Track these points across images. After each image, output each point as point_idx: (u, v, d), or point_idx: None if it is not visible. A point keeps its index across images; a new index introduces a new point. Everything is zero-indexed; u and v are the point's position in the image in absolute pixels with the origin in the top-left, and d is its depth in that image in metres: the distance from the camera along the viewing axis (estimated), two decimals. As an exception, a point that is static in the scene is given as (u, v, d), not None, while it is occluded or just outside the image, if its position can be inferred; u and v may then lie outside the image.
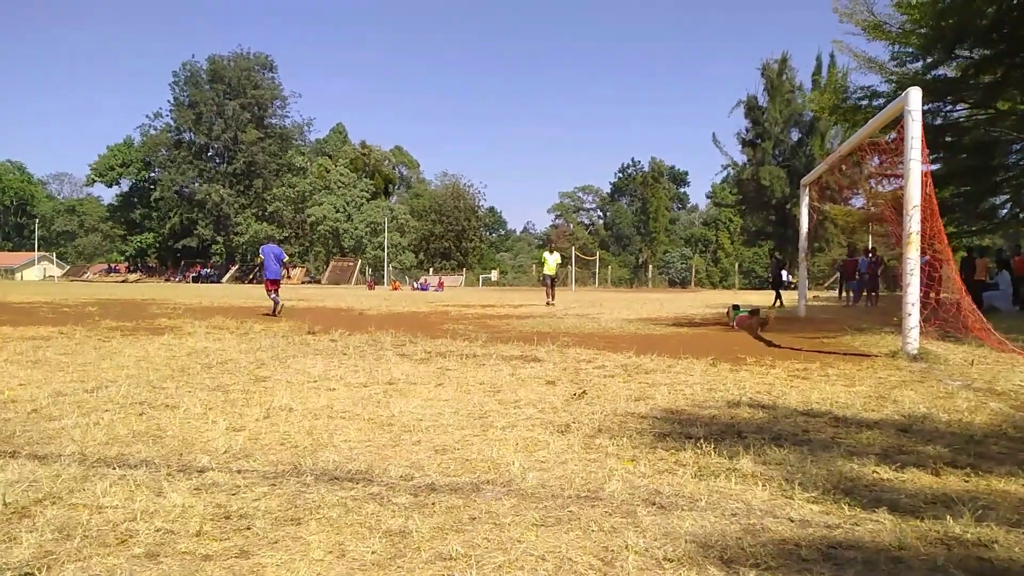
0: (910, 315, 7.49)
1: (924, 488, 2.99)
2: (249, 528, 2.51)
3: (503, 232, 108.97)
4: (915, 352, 7.37)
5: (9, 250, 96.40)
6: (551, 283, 20.97)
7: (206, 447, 3.61)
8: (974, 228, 20.57)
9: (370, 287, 47.80)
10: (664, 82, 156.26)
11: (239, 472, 3.17)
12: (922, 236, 7.62)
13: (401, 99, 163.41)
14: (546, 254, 21.37)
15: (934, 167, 16.24)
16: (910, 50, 14.63)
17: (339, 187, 72.37)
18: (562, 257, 22.96)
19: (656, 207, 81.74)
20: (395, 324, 12.15)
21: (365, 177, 76.79)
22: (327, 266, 68.25)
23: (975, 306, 8.50)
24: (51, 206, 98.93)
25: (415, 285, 49.33)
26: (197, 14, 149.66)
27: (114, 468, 3.20)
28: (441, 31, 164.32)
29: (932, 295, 8.44)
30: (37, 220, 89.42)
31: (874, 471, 3.24)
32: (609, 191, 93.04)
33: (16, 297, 22.46)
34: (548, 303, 20.18)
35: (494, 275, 70.18)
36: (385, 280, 60.37)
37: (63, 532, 2.45)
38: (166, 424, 4.13)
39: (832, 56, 37.33)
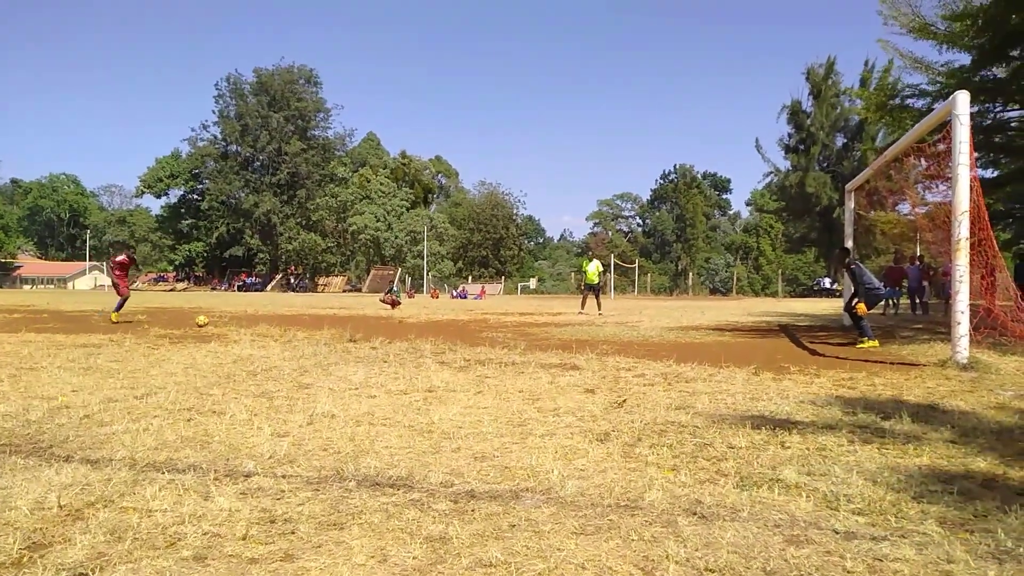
0: (959, 323, 7.30)
1: (975, 500, 2.91)
2: (293, 532, 2.55)
3: (541, 240, 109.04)
4: (965, 361, 7.18)
5: (63, 260, 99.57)
6: (595, 292, 20.56)
7: (252, 452, 3.69)
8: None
9: (410, 295, 48.19)
10: (707, 89, 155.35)
11: (284, 477, 3.23)
12: (985, 244, 7.45)
13: (439, 108, 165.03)
14: (587, 263, 20.90)
15: (985, 171, 15.81)
16: (957, 52, 14.25)
17: (380, 196, 73.29)
18: (603, 265, 22.51)
19: (693, 214, 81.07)
20: (435, 332, 12.24)
21: (405, 187, 77.63)
22: (368, 274, 69.04)
23: None
24: (102, 217, 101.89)
25: (454, 293, 49.60)
26: (232, 21, 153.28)
27: (163, 472, 3.28)
28: (480, 40, 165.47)
29: (982, 303, 8.22)
30: (89, 231, 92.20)
31: (922, 482, 3.17)
32: (649, 198, 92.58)
33: (69, 306, 23.15)
34: (581, 312, 19.87)
35: (533, 283, 70.27)
36: (424, 288, 60.78)
37: (115, 534, 2.52)
38: (213, 430, 4.22)
39: (890, 61, 36.31)
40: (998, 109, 15.55)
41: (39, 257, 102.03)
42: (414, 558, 2.33)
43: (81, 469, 3.33)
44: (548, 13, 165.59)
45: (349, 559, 2.32)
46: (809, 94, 47.32)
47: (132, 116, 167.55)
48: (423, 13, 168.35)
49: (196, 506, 2.81)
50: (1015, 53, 13.97)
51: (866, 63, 40.74)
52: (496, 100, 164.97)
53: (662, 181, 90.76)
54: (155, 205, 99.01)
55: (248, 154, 74.31)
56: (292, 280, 68.19)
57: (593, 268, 20.32)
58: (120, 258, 15.22)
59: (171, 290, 67.07)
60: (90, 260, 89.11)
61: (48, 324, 13.81)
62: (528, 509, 2.80)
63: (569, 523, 2.64)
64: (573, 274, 69.63)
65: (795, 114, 47.53)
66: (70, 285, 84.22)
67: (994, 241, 8.09)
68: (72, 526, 2.60)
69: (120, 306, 14.55)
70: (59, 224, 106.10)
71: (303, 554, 2.36)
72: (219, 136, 75.60)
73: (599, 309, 20.21)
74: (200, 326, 12.98)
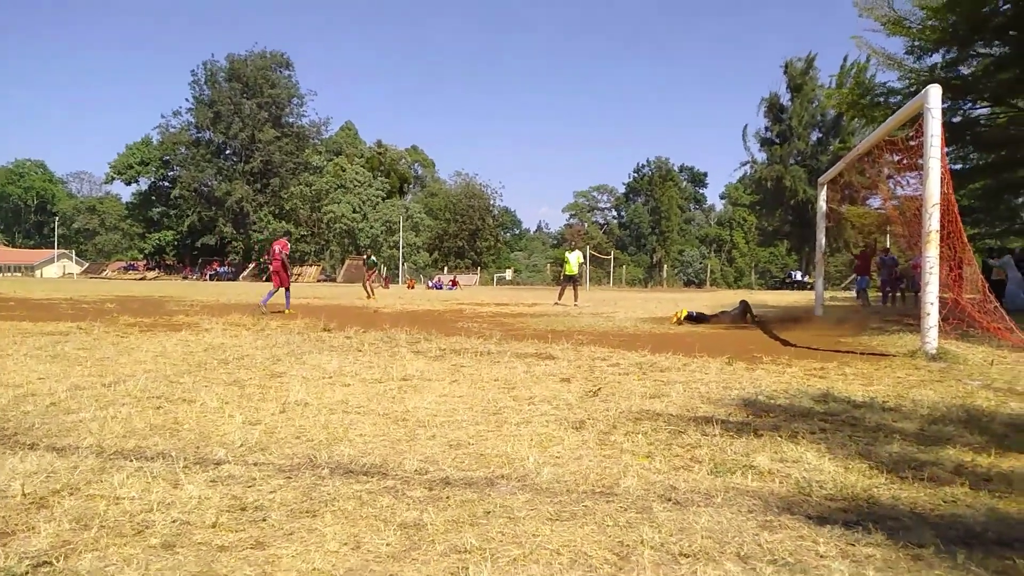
0: (928, 314, 7.41)
1: (944, 486, 2.95)
2: (265, 520, 2.51)
3: (517, 231, 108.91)
4: (934, 352, 7.29)
5: (30, 247, 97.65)
6: (573, 283, 20.64)
7: (222, 440, 3.63)
8: (996, 229, 20.33)
9: (385, 286, 47.98)
10: (683, 82, 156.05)
11: (255, 465, 3.18)
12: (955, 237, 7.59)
13: (415, 97, 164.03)
14: (568, 254, 21.01)
15: (955, 166, 16.07)
16: (929, 47, 14.45)
17: (355, 186, 72.67)
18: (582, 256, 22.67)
19: (668, 207, 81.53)
20: (410, 322, 12.18)
21: (381, 176, 77.05)
22: (342, 265, 68.52)
23: (997, 305, 8.42)
24: (71, 204, 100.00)
25: (429, 284, 49.43)
26: (208, 8, 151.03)
27: (131, 460, 3.22)
28: (457, 30, 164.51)
29: (950, 295, 8.36)
30: (57, 218, 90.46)
31: (892, 469, 3.20)
32: (624, 191, 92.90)
33: (36, 294, 22.70)
34: (558, 303, 19.99)
35: (508, 274, 70.21)
36: (400, 279, 60.52)
37: (80, 522, 2.46)
38: (183, 418, 4.15)
39: (867, 58, 36.52)
40: (967, 106, 15.82)
41: (5, 244, 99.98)
42: (388, 545, 2.31)
43: (47, 457, 3.26)
44: (526, 2, 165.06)
45: (321, 546, 2.29)
46: (787, 88, 47.66)
47: (103, 102, 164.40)
48: (400, 2, 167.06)
49: (165, 494, 2.76)
50: (984, 50, 14.21)
51: (844, 60, 41.13)
52: (473, 90, 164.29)
53: (636, 174, 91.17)
54: (125, 192, 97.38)
55: (220, 141, 73.13)
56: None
57: (574, 259, 20.44)
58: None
59: (141, 279, 66.05)
60: (58, 248, 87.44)
61: (15, 312, 13.54)
62: (503, 496, 2.79)
63: (544, 509, 2.63)
64: (549, 265, 69.74)
65: (773, 107, 47.86)
66: (38, 273, 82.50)
67: (963, 234, 8.21)
68: (36, 514, 2.54)
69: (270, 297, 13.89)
70: (26, 211, 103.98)
71: (274, 541, 2.33)
72: (191, 123, 74.30)
73: (575, 300, 20.30)
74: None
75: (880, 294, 21.77)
